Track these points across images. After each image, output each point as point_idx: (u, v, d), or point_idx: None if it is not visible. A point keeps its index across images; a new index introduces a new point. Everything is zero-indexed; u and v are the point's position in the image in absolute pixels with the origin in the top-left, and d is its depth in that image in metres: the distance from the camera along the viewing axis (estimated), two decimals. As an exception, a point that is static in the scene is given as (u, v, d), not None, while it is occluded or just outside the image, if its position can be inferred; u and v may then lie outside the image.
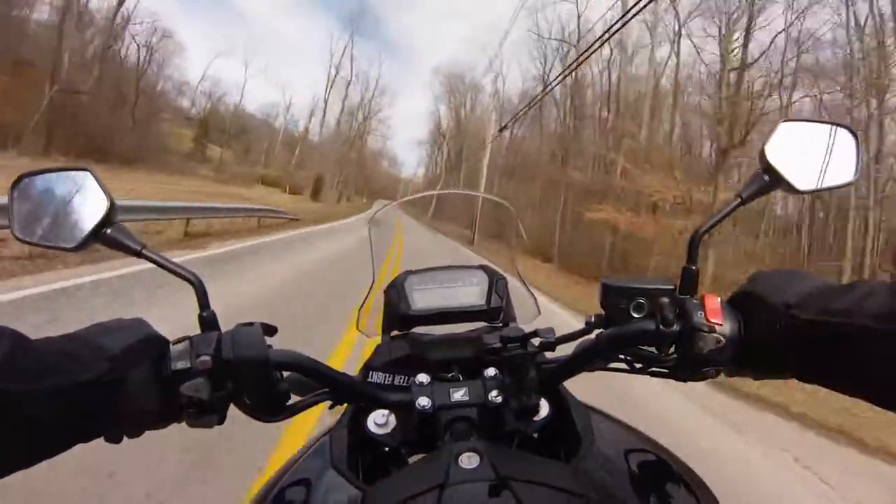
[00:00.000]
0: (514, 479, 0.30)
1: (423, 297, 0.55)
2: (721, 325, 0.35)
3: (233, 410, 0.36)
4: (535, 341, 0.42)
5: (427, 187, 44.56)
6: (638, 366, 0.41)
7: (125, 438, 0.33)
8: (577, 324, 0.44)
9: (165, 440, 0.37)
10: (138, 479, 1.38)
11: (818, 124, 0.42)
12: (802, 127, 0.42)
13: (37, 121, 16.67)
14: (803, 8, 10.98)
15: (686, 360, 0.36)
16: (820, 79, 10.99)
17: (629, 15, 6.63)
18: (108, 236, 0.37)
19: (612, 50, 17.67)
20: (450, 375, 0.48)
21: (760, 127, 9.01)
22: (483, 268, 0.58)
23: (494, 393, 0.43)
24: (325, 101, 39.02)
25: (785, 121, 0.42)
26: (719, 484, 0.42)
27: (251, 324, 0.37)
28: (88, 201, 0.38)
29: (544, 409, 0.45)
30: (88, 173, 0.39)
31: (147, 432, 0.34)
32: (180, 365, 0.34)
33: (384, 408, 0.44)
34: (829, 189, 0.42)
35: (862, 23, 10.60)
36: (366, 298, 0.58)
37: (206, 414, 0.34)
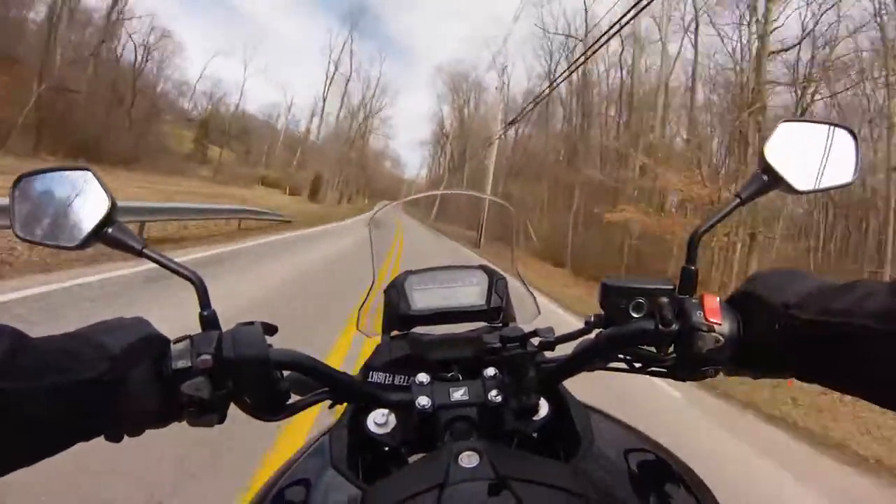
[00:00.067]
0: (514, 479, 0.30)
1: (423, 297, 0.55)
2: (720, 324, 0.35)
3: (233, 409, 0.36)
4: (535, 341, 0.42)
5: (430, 188, 43.96)
6: (637, 365, 0.41)
7: (126, 437, 0.33)
8: None
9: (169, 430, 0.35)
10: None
11: (818, 125, 0.42)
12: (802, 127, 0.42)
13: (25, 119, 16.11)
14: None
15: (685, 359, 0.36)
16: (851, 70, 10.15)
17: (642, 3, 5.89)
18: (109, 235, 0.38)
19: (622, 43, 16.91)
20: (450, 375, 0.48)
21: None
22: (483, 268, 0.58)
23: (494, 392, 0.43)
24: (324, 99, 38.46)
25: (784, 121, 0.42)
26: (720, 485, 0.42)
27: (252, 323, 0.37)
28: (89, 201, 0.38)
29: (544, 408, 0.45)
30: (89, 173, 0.38)
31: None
32: (181, 364, 0.33)
33: (384, 407, 0.44)
34: (828, 189, 0.42)
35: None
36: (366, 298, 0.58)
37: (207, 413, 0.34)
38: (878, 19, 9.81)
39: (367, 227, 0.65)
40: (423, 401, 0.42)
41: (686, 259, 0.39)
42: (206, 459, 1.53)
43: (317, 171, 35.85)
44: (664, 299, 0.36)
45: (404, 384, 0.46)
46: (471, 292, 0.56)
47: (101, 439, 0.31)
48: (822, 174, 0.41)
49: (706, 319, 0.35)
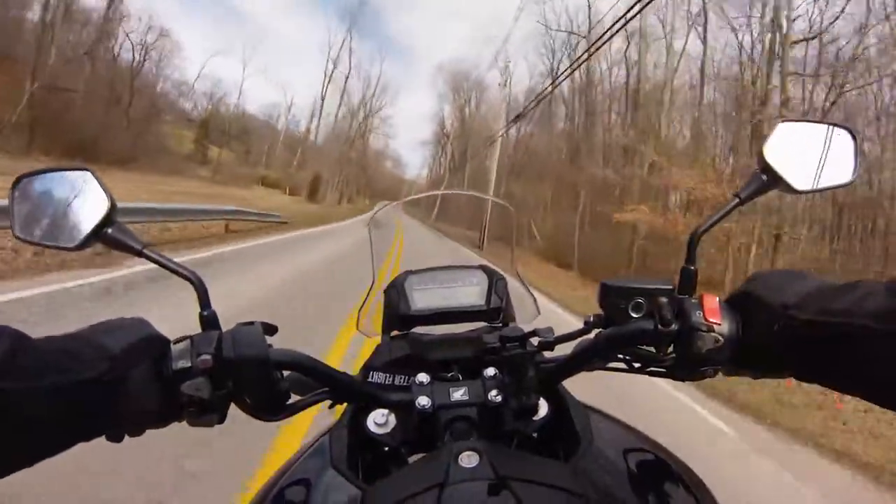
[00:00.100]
0: (514, 479, 0.30)
1: (422, 297, 0.55)
2: (719, 324, 0.35)
3: (233, 409, 0.36)
4: (535, 341, 0.42)
5: (431, 188, 43.63)
6: (637, 365, 0.41)
7: (126, 437, 0.33)
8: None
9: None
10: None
11: (817, 125, 0.42)
12: (801, 127, 0.42)
13: (18, 118, 15.80)
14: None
15: (684, 359, 0.36)
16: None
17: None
18: (108, 236, 0.38)
19: (628, 38, 16.49)
20: (449, 375, 0.48)
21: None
22: (483, 268, 0.58)
23: (494, 392, 0.43)
24: (322, 97, 37.84)
25: (783, 121, 0.42)
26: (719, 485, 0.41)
27: (251, 323, 0.37)
28: (89, 201, 0.38)
29: (543, 408, 0.45)
30: (89, 173, 0.38)
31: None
32: (181, 364, 0.34)
33: (384, 407, 0.44)
34: (827, 189, 0.42)
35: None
36: (365, 298, 0.58)
37: (207, 413, 0.34)
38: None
39: (366, 229, 0.64)
40: (423, 401, 0.42)
41: (685, 259, 0.40)
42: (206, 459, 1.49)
43: (315, 170, 35.40)
44: (663, 299, 0.36)
45: (404, 384, 0.45)
46: (471, 292, 0.56)
47: (101, 439, 0.31)
48: (822, 174, 0.41)
49: (705, 319, 0.35)
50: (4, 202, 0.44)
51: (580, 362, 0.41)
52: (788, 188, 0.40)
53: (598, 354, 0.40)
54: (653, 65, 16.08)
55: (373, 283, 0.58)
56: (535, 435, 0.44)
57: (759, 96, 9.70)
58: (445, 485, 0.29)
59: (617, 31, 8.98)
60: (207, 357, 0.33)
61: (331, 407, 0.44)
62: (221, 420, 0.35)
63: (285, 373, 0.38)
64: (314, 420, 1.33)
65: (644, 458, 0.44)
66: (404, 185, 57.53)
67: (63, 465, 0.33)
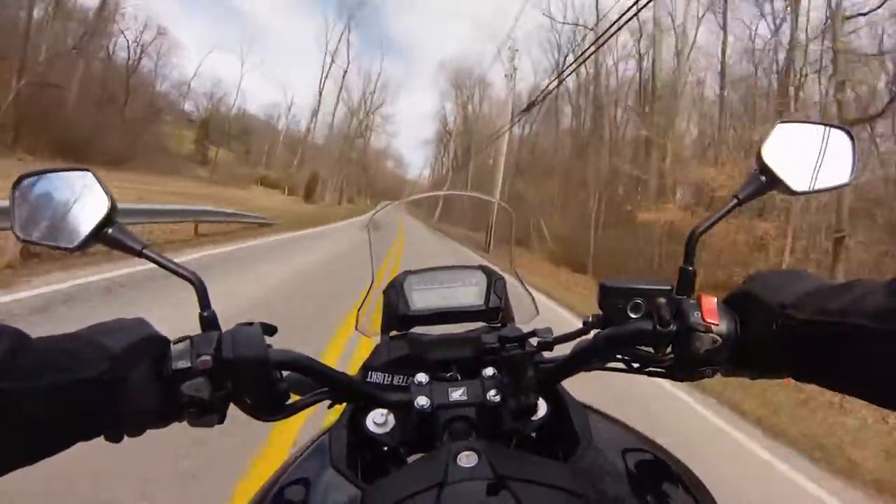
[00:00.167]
0: (513, 479, 0.30)
1: (421, 298, 0.55)
2: (717, 325, 0.35)
3: (233, 409, 0.36)
4: (533, 341, 0.42)
5: (433, 188, 42.90)
6: (635, 366, 0.41)
7: (126, 438, 0.33)
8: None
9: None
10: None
11: (815, 125, 0.42)
12: (799, 128, 0.42)
13: (2, 116, 15.14)
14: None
15: (683, 359, 0.36)
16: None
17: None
18: (109, 236, 0.38)
19: (640, 29, 15.60)
20: (448, 375, 0.48)
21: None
22: (482, 268, 0.58)
23: (493, 392, 0.43)
24: (320, 92, 36.91)
25: (781, 122, 0.42)
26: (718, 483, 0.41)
27: (251, 323, 0.37)
28: (89, 201, 0.38)
29: (542, 408, 0.45)
30: (89, 174, 0.39)
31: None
32: (181, 364, 0.34)
33: (383, 407, 0.44)
34: (826, 190, 0.42)
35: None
36: (365, 298, 0.58)
37: (207, 413, 0.34)
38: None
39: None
40: (422, 401, 0.42)
41: (683, 259, 0.40)
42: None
43: (313, 170, 34.56)
44: (662, 300, 0.36)
45: (403, 384, 0.45)
46: (469, 292, 0.56)
47: (100, 439, 0.31)
48: (820, 175, 0.41)
49: (704, 320, 0.35)
50: (4, 203, 0.40)
51: (579, 362, 0.41)
52: (786, 189, 0.40)
53: (596, 355, 0.40)
54: (667, 54, 15.23)
55: (372, 282, 0.58)
56: (533, 435, 0.44)
57: (796, 83, 8.80)
58: (444, 484, 0.29)
59: (630, 20, 8.25)
60: (207, 357, 0.33)
61: (330, 407, 0.43)
62: (221, 420, 0.35)
63: (284, 373, 0.38)
64: (308, 418, 1.32)
65: (643, 458, 0.43)
66: (406, 185, 57.03)
67: (63, 462, 0.33)
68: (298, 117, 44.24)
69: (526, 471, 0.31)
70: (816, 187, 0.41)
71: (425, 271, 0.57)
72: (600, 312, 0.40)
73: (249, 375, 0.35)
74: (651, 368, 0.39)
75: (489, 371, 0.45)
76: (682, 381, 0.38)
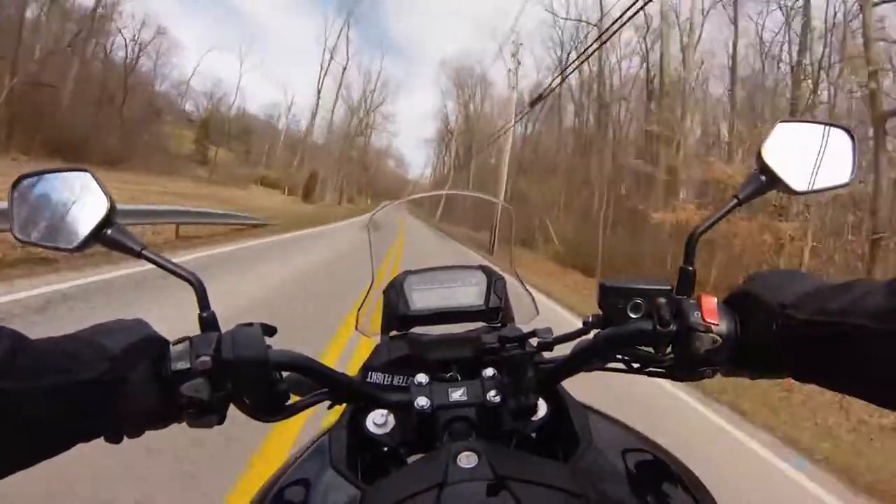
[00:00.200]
0: (513, 479, 0.30)
1: (421, 298, 0.55)
2: (717, 325, 0.35)
3: (232, 410, 0.36)
4: (533, 341, 0.42)
5: (434, 188, 42.63)
6: (635, 366, 0.41)
7: (125, 438, 0.33)
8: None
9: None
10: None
11: (815, 125, 0.42)
12: (799, 127, 0.42)
13: (-7, 115, 14.87)
14: None
15: (683, 359, 0.36)
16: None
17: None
18: (108, 237, 0.37)
19: (647, 22, 15.23)
20: (448, 375, 0.48)
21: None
22: (482, 268, 0.58)
23: (493, 393, 0.43)
24: (318, 89, 36.23)
25: (782, 121, 0.42)
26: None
27: (251, 324, 0.37)
28: (88, 202, 0.38)
29: (542, 408, 0.44)
30: (88, 174, 0.38)
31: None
32: (180, 365, 0.33)
33: (383, 408, 0.44)
34: (826, 190, 0.42)
35: None
36: (364, 298, 0.58)
37: (206, 414, 0.34)
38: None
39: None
40: (422, 401, 0.42)
41: (683, 259, 0.39)
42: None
43: (312, 169, 34.13)
44: (662, 300, 0.35)
45: (403, 384, 0.45)
46: (469, 292, 0.55)
47: (100, 440, 0.31)
48: (820, 174, 0.41)
49: (704, 320, 0.35)
50: (3, 204, 0.40)
51: (579, 363, 0.41)
52: (787, 189, 0.40)
53: (596, 355, 0.40)
54: (674, 49, 14.82)
55: (371, 282, 0.58)
56: (533, 435, 0.44)
57: (813, 76, 8.41)
58: (444, 485, 0.29)
59: (635, 13, 7.88)
60: (206, 358, 0.33)
61: (330, 407, 0.43)
62: (221, 421, 0.35)
63: (284, 374, 0.38)
64: (308, 419, 1.18)
65: (643, 458, 0.43)
66: (408, 185, 56.79)
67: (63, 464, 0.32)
68: (299, 117, 43.91)
69: (526, 471, 0.31)
70: (817, 187, 0.41)
71: (425, 271, 0.57)
72: (600, 312, 0.40)
73: (249, 376, 0.34)
74: (651, 368, 0.39)
75: (489, 371, 0.45)
76: (681, 381, 0.38)
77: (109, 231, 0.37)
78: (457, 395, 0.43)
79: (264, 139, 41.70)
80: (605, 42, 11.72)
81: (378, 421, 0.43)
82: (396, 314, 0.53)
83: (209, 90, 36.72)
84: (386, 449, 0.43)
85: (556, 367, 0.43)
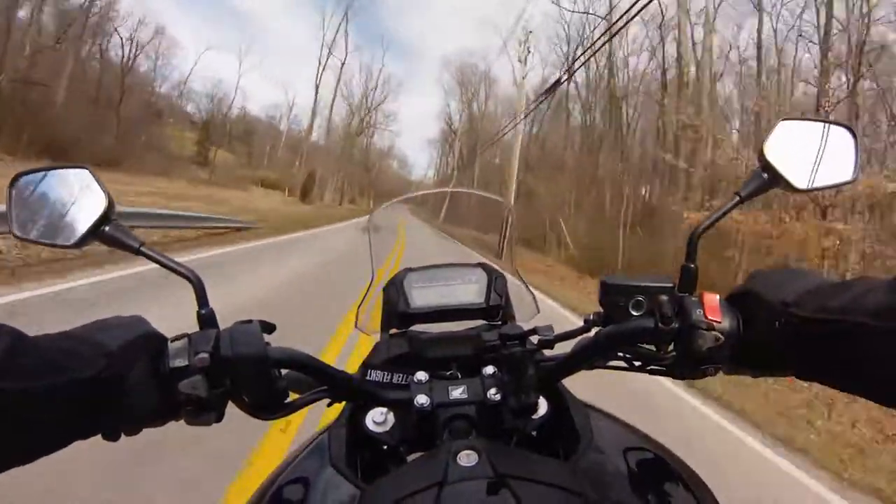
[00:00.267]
0: (513, 477, 0.29)
1: (422, 295, 0.54)
2: (720, 322, 0.35)
3: (231, 408, 0.36)
4: (534, 339, 0.42)
5: (437, 188, 41.76)
6: (637, 364, 0.40)
7: (123, 436, 0.33)
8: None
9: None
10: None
11: (817, 123, 0.42)
12: (801, 125, 0.42)
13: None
14: None
15: (685, 357, 0.36)
16: None
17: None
18: (106, 234, 0.37)
19: (662, 11, 14.38)
20: (448, 373, 0.48)
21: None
22: (482, 266, 0.58)
23: (493, 391, 0.43)
24: (317, 87, 35.00)
25: (784, 119, 0.42)
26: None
27: (249, 321, 0.37)
28: (86, 199, 0.38)
29: (543, 407, 0.44)
30: (86, 171, 0.38)
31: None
32: (178, 362, 0.33)
33: (383, 406, 0.44)
34: (828, 188, 0.42)
35: None
36: (364, 296, 0.57)
37: (204, 411, 0.34)
38: None
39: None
40: (422, 399, 0.42)
41: (685, 257, 0.39)
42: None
43: (310, 168, 33.33)
44: (664, 297, 0.35)
45: (403, 382, 0.45)
46: (470, 290, 0.55)
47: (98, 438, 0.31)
48: (822, 172, 0.41)
49: (706, 317, 0.34)
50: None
51: (580, 361, 0.41)
52: (789, 186, 0.40)
53: (598, 353, 0.40)
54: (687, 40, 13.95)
55: (371, 280, 0.58)
56: (534, 433, 0.44)
57: (854, 60, 7.58)
58: (444, 483, 0.29)
59: (649, 2, 7.12)
60: (205, 355, 0.33)
61: (329, 405, 0.43)
62: (219, 419, 0.35)
63: (283, 371, 0.38)
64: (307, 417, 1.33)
65: (644, 456, 0.43)
66: (411, 186, 56.25)
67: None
68: (301, 117, 43.38)
69: (526, 469, 0.31)
70: (819, 185, 0.41)
71: (425, 269, 0.57)
72: (601, 310, 0.40)
73: (248, 373, 0.34)
74: (653, 366, 0.39)
75: (489, 369, 0.44)
76: (683, 378, 0.37)
77: (108, 228, 0.37)
78: (457, 393, 0.42)
79: (266, 140, 41.33)
80: (618, 32, 10.92)
81: (378, 419, 0.43)
82: (396, 312, 0.54)
83: (210, 91, 36.41)
84: (385, 447, 0.43)
85: (557, 365, 0.42)
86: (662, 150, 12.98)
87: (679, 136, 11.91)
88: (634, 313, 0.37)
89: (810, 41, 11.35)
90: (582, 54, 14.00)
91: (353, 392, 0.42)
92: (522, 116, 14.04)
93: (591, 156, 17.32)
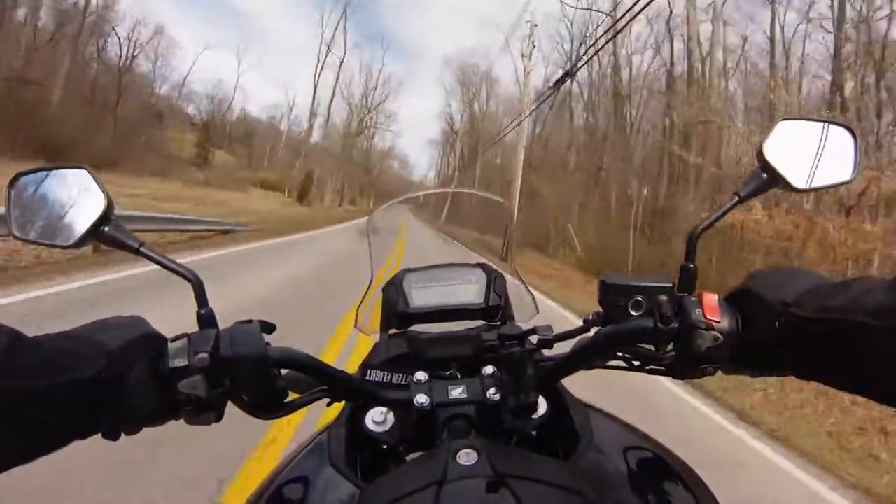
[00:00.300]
0: (512, 476, 0.30)
1: (421, 295, 0.55)
2: (719, 322, 0.35)
3: (231, 407, 0.36)
4: (533, 339, 0.42)
5: (438, 188, 41.53)
6: (636, 363, 0.41)
7: (122, 436, 0.33)
8: None
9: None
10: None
11: (816, 123, 0.42)
12: (801, 125, 0.42)
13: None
14: None
15: (684, 357, 0.36)
16: None
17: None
18: (105, 234, 0.38)
19: (670, 6, 14.01)
20: (448, 373, 0.48)
21: None
22: (481, 266, 0.58)
23: (492, 391, 0.43)
24: (315, 86, 34.36)
25: (783, 119, 0.42)
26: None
27: (249, 321, 0.37)
28: (86, 199, 0.38)
29: (542, 406, 0.44)
30: (85, 171, 0.39)
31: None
32: (178, 362, 0.33)
33: (382, 405, 0.44)
34: (828, 188, 0.42)
35: None
36: (364, 296, 0.58)
37: (204, 411, 0.34)
38: None
39: (367, 225, 0.63)
40: (422, 399, 0.42)
41: (685, 257, 0.39)
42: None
43: (308, 168, 32.89)
44: (663, 297, 0.35)
45: (402, 382, 0.45)
46: (469, 290, 0.55)
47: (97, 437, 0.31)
48: (822, 172, 0.41)
49: (705, 317, 0.35)
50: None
51: (579, 360, 0.41)
52: (788, 186, 0.40)
53: (597, 352, 0.40)
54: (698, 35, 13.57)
55: (371, 280, 0.58)
56: (534, 433, 0.44)
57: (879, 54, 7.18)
58: (444, 482, 0.29)
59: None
60: (204, 355, 0.33)
61: (329, 405, 0.43)
62: (219, 418, 0.35)
63: (283, 371, 0.38)
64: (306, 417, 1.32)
65: (643, 456, 0.43)
66: (412, 187, 55.97)
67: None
68: (301, 118, 43.08)
69: (526, 469, 0.31)
70: (818, 184, 0.41)
71: (425, 269, 0.57)
72: (600, 310, 0.40)
73: (247, 373, 0.34)
74: (652, 366, 0.39)
75: (489, 369, 0.45)
76: (682, 378, 0.38)
77: (107, 228, 0.37)
78: (456, 392, 0.43)
79: (267, 141, 41.10)
80: (625, 27, 10.55)
81: (377, 419, 0.43)
82: (396, 312, 0.54)
83: (210, 92, 36.22)
84: (385, 447, 0.43)
85: (557, 364, 0.42)
86: (671, 146, 12.57)
87: (690, 133, 11.49)
88: (634, 313, 0.38)
89: (826, 31, 10.98)
90: (587, 50, 13.63)
91: (353, 392, 0.42)
92: (527, 113, 13.59)
93: (596, 155, 16.92)
